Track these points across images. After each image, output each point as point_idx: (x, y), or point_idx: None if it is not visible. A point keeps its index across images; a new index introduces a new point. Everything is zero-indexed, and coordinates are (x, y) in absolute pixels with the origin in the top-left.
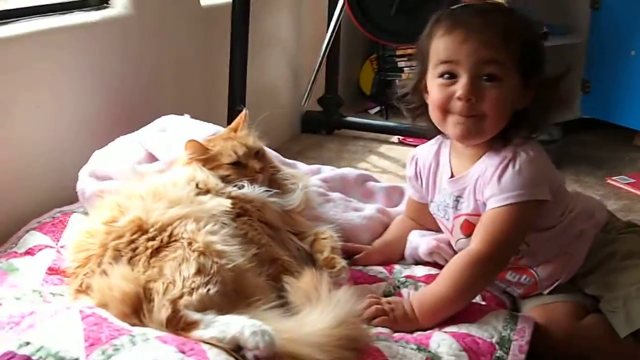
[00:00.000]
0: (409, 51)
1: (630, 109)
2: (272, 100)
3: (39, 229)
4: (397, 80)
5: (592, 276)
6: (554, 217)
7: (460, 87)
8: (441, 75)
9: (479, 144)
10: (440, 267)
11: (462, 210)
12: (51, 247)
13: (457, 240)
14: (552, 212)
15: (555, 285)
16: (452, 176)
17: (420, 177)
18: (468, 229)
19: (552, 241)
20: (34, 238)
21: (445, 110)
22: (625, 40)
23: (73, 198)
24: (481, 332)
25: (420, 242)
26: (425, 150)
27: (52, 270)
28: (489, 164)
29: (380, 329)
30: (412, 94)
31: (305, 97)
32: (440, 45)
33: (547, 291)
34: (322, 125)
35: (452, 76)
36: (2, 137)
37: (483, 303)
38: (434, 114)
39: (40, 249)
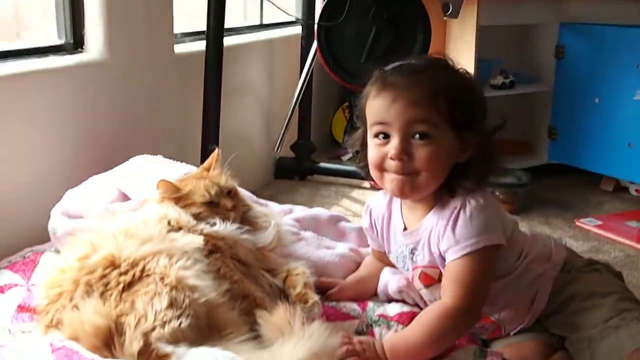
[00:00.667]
0: None
1: (595, 154)
2: (245, 146)
3: (9, 267)
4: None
5: (555, 317)
6: (508, 263)
7: (392, 147)
8: (376, 135)
9: (426, 197)
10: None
11: (418, 262)
12: (21, 285)
13: (419, 289)
14: (506, 258)
15: (520, 328)
16: (405, 229)
17: (376, 228)
18: (426, 280)
19: (509, 287)
20: (4, 277)
21: (381, 169)
22: (589, 88)
23: (45, 238)
24: None
25: (390, 279)
26: (379, 201)
27: (22, 309)
28: (440, 216)
29: None
30: (360, 152)
31: (278, 143)
32: (373, 106)
33: (512, 333)
34: (294, 172)
35: (386, 136)
36: None
37: None
38: (372, 172)
39: (10, 287)
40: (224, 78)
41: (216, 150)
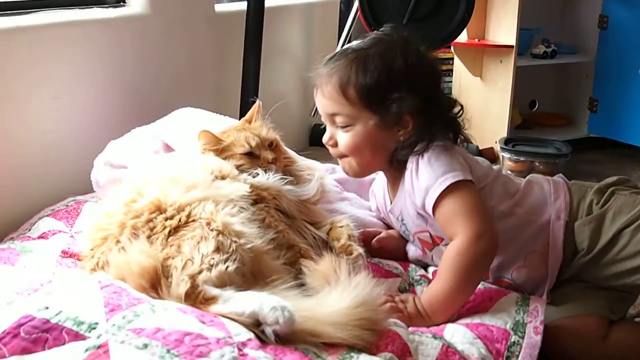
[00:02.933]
0: None
1: (638, 128)
2: (281, 110)
3: (52, 215)
4: None
5: (596, 271)
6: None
7: (325, 135)
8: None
9: (392, 172)
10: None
11: (412, 230)
12: (65, 232)
13: (430, 253)
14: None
15: (544, 286)
16: (391, 203)
17: (380, 209)
18: (425, 244)
19: (511, 241)
20: (47, 224)
21: None
22: (632, 59)
23: (87, 189)
24: (494, 320)
25: (409, 248)
26: (378, 184)
27: (66, 254)
28: (405, 181)
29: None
30: None
31: (314, 109)
32: None
33: (544, 295)
34: None
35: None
36: (20, 127)
37: (493, 287)
38: None
39: (54, 234)
40: (263, 39)
41: (257, 102)
